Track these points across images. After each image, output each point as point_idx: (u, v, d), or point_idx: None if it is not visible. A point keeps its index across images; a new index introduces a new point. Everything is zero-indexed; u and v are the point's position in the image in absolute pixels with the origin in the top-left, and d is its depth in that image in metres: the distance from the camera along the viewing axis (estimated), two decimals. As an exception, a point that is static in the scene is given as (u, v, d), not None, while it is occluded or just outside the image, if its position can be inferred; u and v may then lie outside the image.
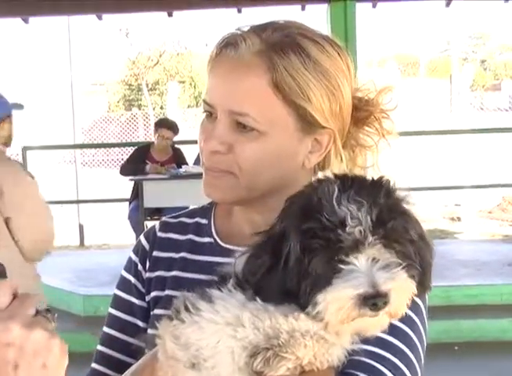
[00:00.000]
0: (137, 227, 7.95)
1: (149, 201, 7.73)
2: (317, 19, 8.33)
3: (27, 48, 35.94)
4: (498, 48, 41.94)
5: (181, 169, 7.95)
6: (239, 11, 9.16)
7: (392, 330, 1.12)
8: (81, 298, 6.56)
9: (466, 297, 6.19)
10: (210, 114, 1.30)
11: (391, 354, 1.14)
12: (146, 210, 7.87)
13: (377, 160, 1.38)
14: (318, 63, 1.24)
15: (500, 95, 27.68)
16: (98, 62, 33.84)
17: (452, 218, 12.62)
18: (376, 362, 1.12)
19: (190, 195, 6.64)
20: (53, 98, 24.31)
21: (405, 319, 1.15)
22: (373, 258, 0.97)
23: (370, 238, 0.97)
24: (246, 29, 1.29)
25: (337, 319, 0.97)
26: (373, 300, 0.95)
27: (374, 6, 9.33)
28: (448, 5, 10.34)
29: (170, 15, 9.48)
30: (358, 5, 7.35)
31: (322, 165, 1.35)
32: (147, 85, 28.68)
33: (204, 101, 1.31)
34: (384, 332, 1.10)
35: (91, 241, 11.60)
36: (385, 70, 30.15)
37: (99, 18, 9.65)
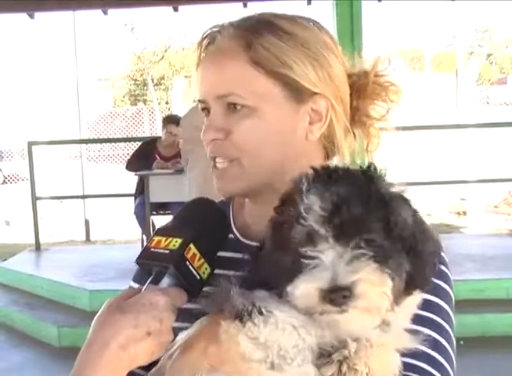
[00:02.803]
0: (143, 222, 7.97)
1: (155, 196, 7.74)
2: (323, 13, 8.32)
3: (32, 43, 36.00)
4: (504, 42, 41.82)
5: (187, 164, 7.94)
6: (245, 5, 9.17)
7: (434, 343, 1.16)
8: (87, 292, 6.56)
9: (472, 291, 6.17)
10: (208, 112, 1.33)
11: (434, 369, 1.15)
12: (152, 205, 7.87)
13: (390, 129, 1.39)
14: (293, 34, 1.27)
15: (506, 89, 27.64)
16: (103, 57, 33.95)
17: (458, 213, 12.61)
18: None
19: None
20: (59, 93, 24.34)
21: (444, 333, 1.19)
22: (340, 251, 0.94)
23: (332, 230, 0.95)
24: (220, 24, 1.33)
25: (308, 312, 0.96)
26: (332, 295, 0.92)
27: (380, 1, 9.32)
28: (454, -2, 10.33)
29: (175, 9, 9.50)
30: (364, -1, 7.33)
31: (330, 139, 1.34)
32: (153, 80, 28.72)
33: (199, 100, 1.35)
34: (425, 345, 1.12)
35: (97, 236, 11.63)
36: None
37: (105, 13, 9.68)
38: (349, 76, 1.35)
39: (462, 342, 5.28)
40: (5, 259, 8.76)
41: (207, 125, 1.31)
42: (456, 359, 1.20)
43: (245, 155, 1.27)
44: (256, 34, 1.26)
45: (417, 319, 1.13)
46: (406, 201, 1.02)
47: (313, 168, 1.04)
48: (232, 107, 1.27)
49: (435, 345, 1.17)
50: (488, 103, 23.39)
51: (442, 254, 1.27)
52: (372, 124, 1.38)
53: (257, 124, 1.26)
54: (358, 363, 0.95)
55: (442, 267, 1.26)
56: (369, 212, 0.95)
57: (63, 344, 6.09)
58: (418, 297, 1.08)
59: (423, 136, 16.56)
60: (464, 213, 12.48)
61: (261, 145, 1.27)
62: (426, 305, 1.17)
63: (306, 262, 0.95)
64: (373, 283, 0.92)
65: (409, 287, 0.99)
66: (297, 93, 1.27)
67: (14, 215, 14.06)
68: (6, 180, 22.72)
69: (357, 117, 1.37)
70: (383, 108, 1.37)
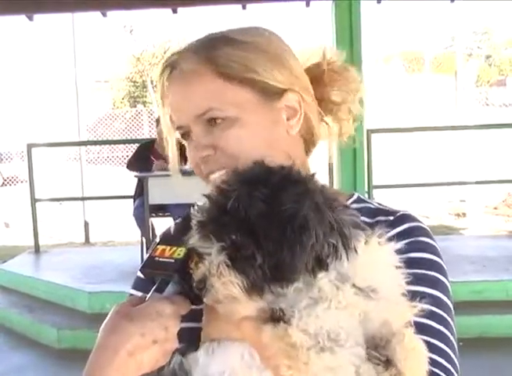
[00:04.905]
0: (142, 224, 7.96)
1: (154, 198, 7.72)
2: (322, 15, 8.33)
3: (31, 45, 36.00)
4: (503, 44, 41.84)
5: (186, 166, 7.93)
6: (244, 7, 9.16)
7: (439, 335, 1.21)
8: (86, 294, 6.56)
9: (472, 293, 6.17)
10: (187, 136, 1.37)
11: (444, 359, 1.19)
12: (151, 207, 7.86)
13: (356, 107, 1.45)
14: (247, 42, 1.32)
15: (505, 90, 27.63)
16: (102, 59, 33.91)
17: (458, 214, 12.61)
18: (435, 367, 1.15)
19: (195, 191, 6.62)
20: (58, 95, 24.33)
21: (446, 323, 1.24)
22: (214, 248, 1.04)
23: (205, 232, 1.06)
24: (176, 51, 1.37)
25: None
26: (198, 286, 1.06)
27: (379, 2, 9.32)
28: (452, 0, 10.33)
29: (174, 11, 9.48)
30: (363, 1, 7.34)
31: (309, 131, 1.41)
32: (152, 82, 28.67)
33: (176, 127, 1.38)
34: (433, 337, 1.18)
35: (97, 238, 11.63)
36: (390, 66, 30.10)
37: (104, 15, 9.66)
38: (305, 70, 1.41)
39: (461, 343, 5.31)
40: (5, 261, 8.77)
41: (194, 146, 1.34)
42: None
43: (241, 161, 1.28)
44: (215, 50, 1.31)
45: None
46: (267, 201, 1.03)
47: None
48: (212, 122, 1.30)
49: (439, 335, 1.21)
50: (487, 104, 23.35)
51: (437, 247, 1.31)
52: (339, 109, 1.44)
53: (241, 131, 1.30)
54: (400, 365, 0.99)
55: (438, 260, 1.30)
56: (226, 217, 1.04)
57: (62, 346, 6.09)
58: (395, 258, 1.09)
59: (423, 138, 16.57)
60: (464, 214, 12.48)
61: (250, 150, 1.29)
62: (426, 297, 1.20)
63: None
64: (217, 275, 1.03)
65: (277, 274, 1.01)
66: (268, 94, 1.32)
67: (13, 217, 14.05)
68: (5, 182, 22.70)
69: (323, 105, 1.43)
70: (345, 92, 1.43)
